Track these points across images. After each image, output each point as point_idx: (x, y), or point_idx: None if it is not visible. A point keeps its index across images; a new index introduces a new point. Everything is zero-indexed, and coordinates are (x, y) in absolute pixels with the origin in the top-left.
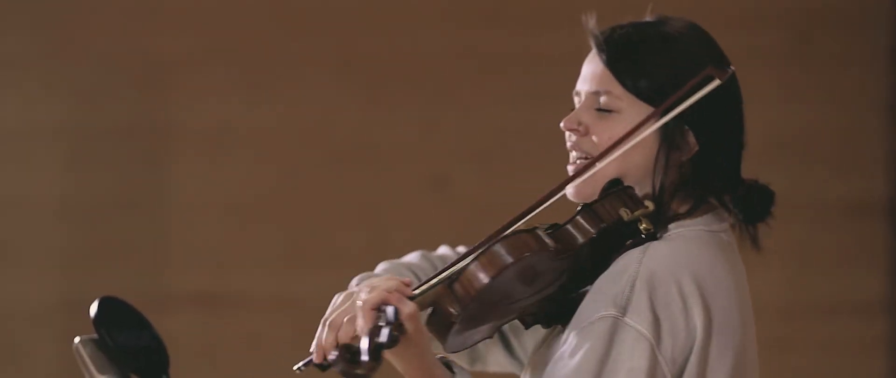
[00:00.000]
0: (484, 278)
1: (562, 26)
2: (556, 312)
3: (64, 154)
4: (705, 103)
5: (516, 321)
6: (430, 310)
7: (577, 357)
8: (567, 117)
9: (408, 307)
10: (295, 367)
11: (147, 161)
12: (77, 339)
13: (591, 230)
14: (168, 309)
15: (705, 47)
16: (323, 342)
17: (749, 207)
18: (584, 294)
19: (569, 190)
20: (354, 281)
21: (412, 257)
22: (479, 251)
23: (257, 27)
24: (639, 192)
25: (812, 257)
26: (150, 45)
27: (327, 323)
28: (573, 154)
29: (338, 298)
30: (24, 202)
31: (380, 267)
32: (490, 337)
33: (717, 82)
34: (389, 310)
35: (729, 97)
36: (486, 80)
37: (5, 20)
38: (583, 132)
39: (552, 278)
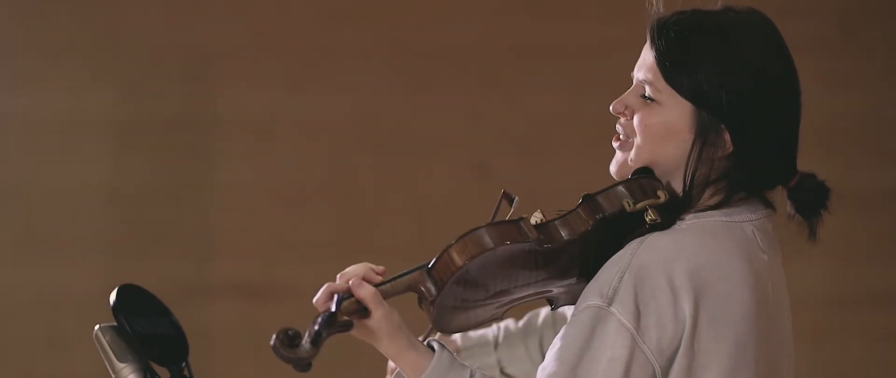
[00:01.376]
0: (458, 262)
1: (604, 16)
2: (574, 297)
3: (111, 145)
4: (742, 102)
5: None
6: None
7: (561, 343)
8: (616, 100)
9: (365, 290)
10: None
11: (194, 151)
12: (97, 327)
13: (589, 222)
14: (213, 299)
15: (762, 46)
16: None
17: (803, 201)
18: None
19: (611, 169)
20: None
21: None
22: (459, 236)
23: (302, 17)
24: (669, 182)
25: (857, 247)
26: (197, 36)
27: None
28: (618, 130)
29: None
30: (72, 192)
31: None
32: (498, 318)
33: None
34: (335, 297)
35: (774, 95)
36: (529, 70)
37: (53, 12)
38: (629, 115)
39: (548, 266)
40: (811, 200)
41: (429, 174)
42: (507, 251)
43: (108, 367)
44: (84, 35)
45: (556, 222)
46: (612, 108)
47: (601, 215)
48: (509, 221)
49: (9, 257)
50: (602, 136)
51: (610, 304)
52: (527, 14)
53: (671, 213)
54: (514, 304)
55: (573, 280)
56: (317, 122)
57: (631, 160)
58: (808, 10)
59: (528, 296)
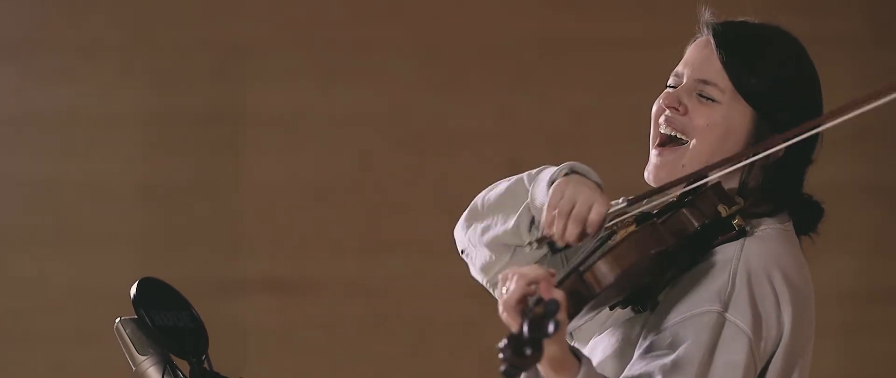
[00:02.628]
0: (612, 276)
1: (635, 12)
2: (637, 296)
3: (143, 140)
4: (800, 117)
5: None
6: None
7: (681, 349)
8: (668, 94)
9: (560, 294)
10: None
11: (224, 147)
12: (117, 320)
13: (695, 224)
14: (244, 293)
15: (808, 62)
16: (565, 233)
17: (803, 219)
18: (667, 281)
19: (650, 175)
20: (553, 172)
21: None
22: (610, 247)
23: (332, 13)
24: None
25: (888, 243)
26: (227, 33)
27: (566, 213)
28: (664, 128)
29: (559, 188)
30: (104, 188)
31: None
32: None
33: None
34: (550, 300)
35: (817, 111)
36: (560, 66)
37: (85, 9)
38: (683, 112)
39: (662, 269)
40: (809, 220)
41: (459, 170)
42: (652, 257)
43: (129, 360)
44: (116, 32)
45: (669, 224)
46: (666, 101)
47: (706, 220)
48: (650, 227)
49: (42, 252)
50: (634, 131)
51: (726, 309)
52: (558, 10)
53: (748, 219)
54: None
55: (647, 283)
56: (347, 118)
57: (685, 163)
58: (843, 7)
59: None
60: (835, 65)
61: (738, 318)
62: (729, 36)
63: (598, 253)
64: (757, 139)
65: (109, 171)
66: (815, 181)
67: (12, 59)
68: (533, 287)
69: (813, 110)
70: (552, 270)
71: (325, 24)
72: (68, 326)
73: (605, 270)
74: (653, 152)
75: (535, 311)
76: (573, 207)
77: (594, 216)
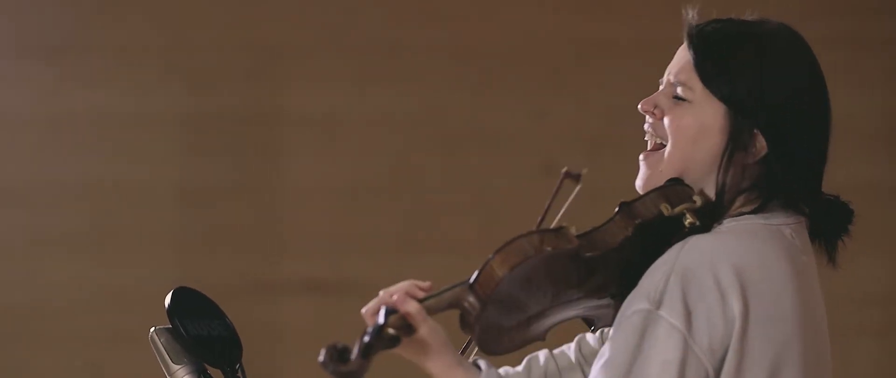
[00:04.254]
0: (499, 273)
1: (670, 12)
2: (614, 313)
3: (179, 141)
4: (777, 108)
5: None
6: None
7: (611, 350)
8: (645, 99)
9: (410, 306)
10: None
11: (260, 148)
12: (152, 329)
13: (627, 228)
14: (280, 295)
15: (798, 58)
16: None
17: (824, 222)
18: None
19: (638, 183)
20: None
21: None
22: (500, 247)
23: (367, 14)
24: (700, 189)
25: None
26: (263, 34)
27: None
28: (648, 139)
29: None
30: (140, 189)
31: None
32: (540, 338)
33: (578, 187)
34: (382, 310)
35: (808, 105)
36: (596, 67)
37: (122, 11)
38: (658, 116)
39: (589, 278)
40: (834, 222)
41: (495, 172)
42: (548, 258)
43: (163, 369)
44: (153, 33)
45: (596, 231)
46: (641, 106)
47: (640, 221)
48: (550, 229)
49: (79, 253)
50: None
51: (658, 308)
52: (592, 11)
53: (708, 217)
54: (556, 324)
55: (610, 297)
56: (384, 119)
57: (662, 167)
58: (864, 5)
59: (570, 316)
60: (867, 65)
61: (670, 315)
62: (702, 36)
63: (489, 256)
64: (736, 137)
65: (146, 172)
66: (847, 182)
67: (50, 61)
68: (393, 297)
69: (793, 105)
70: (424, 284)
71: (361, 25)
72: (104, 328)
73: (493, 269)
74: (640, 159)
75: (375, 320)
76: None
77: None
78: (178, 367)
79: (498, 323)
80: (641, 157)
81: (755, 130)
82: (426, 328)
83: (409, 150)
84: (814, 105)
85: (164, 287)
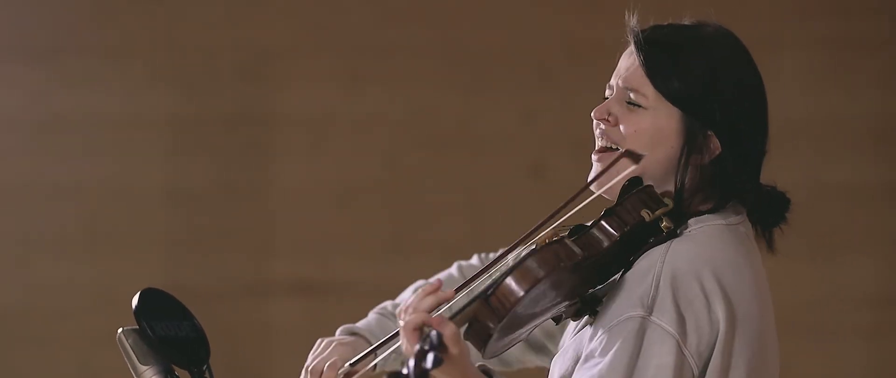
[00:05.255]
0: (519, 292)
1: (660, 14)
2: (582, 307)
3: (169, 143)
4: (729, 108)
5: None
6: (466, 325)
7: (608, 356)
8: (598, 107)
9: (449, 329)
10: None
11: (250, 150)
12: (120, 330)
13: (616, 233)
14: (270, 295)
15: (739, 56)
16: None
17: (766, 213)
18: (607, 288)
19: (593, 178)
20: (340, 329)
21: (452, 272)
22: (513, 265)
23: (358, 16)
24: (657, 189)
25: None
26: (253, 35)
27: (308, 370)
28: (599, 142)
29: (320, 344)
30: (130, 190)
31: (409, 289)
32: (525, 338)
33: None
34: (433, 334)
35: (754, 103)
36: (585, 68)
37: (111, 12)
38: (612, 123)
39: (581, 282)
40: (772, 211)
41: (484, 173)
42: (561, 271)
43: (131, 370)
44: (142, 34)
45: (587, 237)
46: (595, 114)
47: (627, 227)
48: (555, 243)
49: (69, 254)
50: None
51: (651, 313)
52: (583, 12)
53: (678, 220)
54: (541, 323)
55: (584, 293)
56: (373, 121)
57: (618, 168)
58: (864, 8)
59: (552, 314)
60: (859, 67)
61: (663, 320)
62: (649, 41)
63: (504, 271)
64: (691, 140)
65: (136, 174)
66: (838, 183)
67: (39, 62)
68: (434, 317)
69: (742, 104)
70: (448, 293)
71: (350, 27)
72: (94, 329)
73: (510, 288)
74: (593, 159)
75: (423, 345)
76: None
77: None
78: (146, 367)
79: (505, 334)
80: (595, 156)
81: (709, 132)
82: (460, 348)
83: (399, 152)
84: (758, 102)
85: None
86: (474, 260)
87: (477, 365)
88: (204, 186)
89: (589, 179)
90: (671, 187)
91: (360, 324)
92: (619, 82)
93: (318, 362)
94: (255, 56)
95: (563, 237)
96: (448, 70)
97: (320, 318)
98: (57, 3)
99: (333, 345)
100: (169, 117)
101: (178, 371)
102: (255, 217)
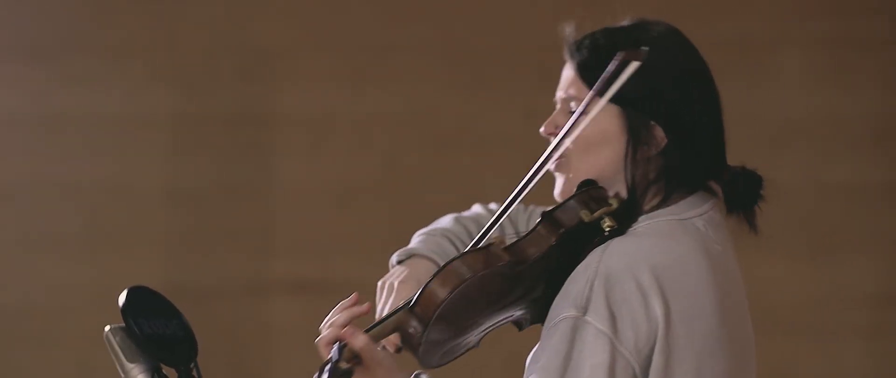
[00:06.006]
0: (440, 296)
1: (661, 13)
2: (540, 313)
3: (169, 142)
4: (667, 96)
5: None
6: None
7: (543, 358)
8: (546, 122)
9: (358, 341)
10: None
11: (251, 149)
12: (107, 328)
13: (552, 238)
14: (270, 295)
15: (675, 45)
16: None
17: (736, 194)
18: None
19: (557, 193)
20: (394, 257)
21: (446, 222)
22: (437, 271)
23: (360, 16)
24: (614, 190)
25: None
26: (254, 34)
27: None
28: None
29: (383, 285)
30: (131, 189)
31: (416, 238)
32: (475, 346)
33: (635, 64)
34: (334, 347)
35: (696, 89)
36: None
37: (112, 11)
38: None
39: (518, 287)
40: (745, 192)
41: (486, 173)
42: (483, 278)
43: (118, 368)
44: (143, 34)
45: (522, 242)
46: (544, 130)
47: (563, 230)
48: (481, 249)
49: (69, 253)
50: None
51: (585, 313)
52: (585, 11)
53: (625, 218)
54: (489, 330)
55: (533, 301)
56: (374, 120)
57: (572, 177)
58: (866, 7)
59: (501, 321)
60: (861, 66)
61: (596, 319)
62: (580, 46)
63: (429, 278)
64: (634, 133)
65: (136, 173)
66: (838, 182)
67: (40, 62)
68: (345, 331)
69: (683, 90)
70: (362, 307)
71: (352, 26)
72: (95, 328)
73: (433, 292)
74: (552, 170)
75: (330, 357)
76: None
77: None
78: (133, 365)
79: (438, 339)
80: (552, 167)
81: (651, 123)
82: (375, 358)
83: (399, 151)
84: (699, 85)
85: (154, 287)
86: (476, 208)
87: (414, 373)
88: (204, 186)
89: (556, 193)
90: (624, 184)
91: (414, 244)
92: (561, 94)
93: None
94: (255, 56)
95: (491, 243)
96: (449, 70)
97: (320, 318)
98: (58, 2)
99: (397, 284)
100: (169, 117)
101: (165, 369)
102: (255, 217)
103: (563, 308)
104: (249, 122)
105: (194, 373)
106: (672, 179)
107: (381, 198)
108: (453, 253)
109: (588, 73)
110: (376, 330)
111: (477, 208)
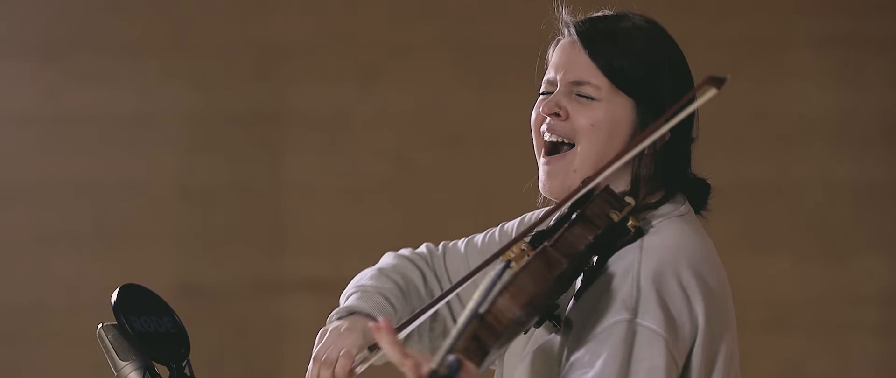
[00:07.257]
0: (516, 310)
1: (671, 14)
2: (542, 316)
3: (182, 140)
4: (674, 94)
5: None
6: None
7: (598, 364)
8: (545, 101)
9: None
10: None
11: (263, 146)
12: (99, 326)
13: (589, 238)
14: (282, 293)
15: (672, 45)
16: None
17: (699, 201)
18: (572, 290)
19: (542, 185)
20: (333, 315)
21: (373, 280)
22: (507, 283)
23: (372, 14)
24: (613, 185)
25: None
26: (266, 32)
27: (320, 360)
28: (547, 137)
29: (325, 333)
30: (143, 187)
31: (353, 298)
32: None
33: (714, 92)
34: (449, 358)
35: (688, 86)
36: None
37: (124, 9)
38: (564, 117)
39: (561, 290)
40: (702, 200)
41: (498, 170)
42: (550, 284)
43: (111, 365)
44: (155, 31)
45: (563, 242)
46: (544, 109)
47: (599, 231)
48: (541, 254)
49: (81, 251)
50: None
51: (636, 316)
52: (595, 6)
53: (639, 216)
54: (516, 336)
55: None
56: (386, 119)
57: (576, 167)
58: (875, 6)
59: (530, 326)
60: (868, 65)
61: (650, 321)
62: (593, 32)
63: (496, 290)
64: (642, 128)
65: (149, 171)
66: (849, 180)
67: (53, 59)
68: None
69: (686, 88)
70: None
71: (363, 24)
72: None
73: (506, 306)
74: (541, 163)
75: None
76: (325, 355)
77: (338, 370)
78: (125, 363)
79: (498, 348)
80: (543, 161)
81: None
82: (472, 371)
83: (412, 149)
84: (689, 83)
85: (167, 285)
86: (387, 259)
87: None
88: (217, 183)
89: (546, 186)
90: (622, 182)
91: (351, 302)
92: (568, 76)
93: (331, 350)
94: (268, 54)
95: (545, 247)
96: (460, 67)
97: None
98: (71, 0)
99: (343, 330)
100: (182, 114)
101: (157, 367)
102: (267, 214)
103: (611, 312)
104: (262, 120)
105: (187, 370)
106: (672, 178)
107: (394, 195)
108: (390, 311)
109: (607, 62)
110: (459, 343)
111: (388, 258)
